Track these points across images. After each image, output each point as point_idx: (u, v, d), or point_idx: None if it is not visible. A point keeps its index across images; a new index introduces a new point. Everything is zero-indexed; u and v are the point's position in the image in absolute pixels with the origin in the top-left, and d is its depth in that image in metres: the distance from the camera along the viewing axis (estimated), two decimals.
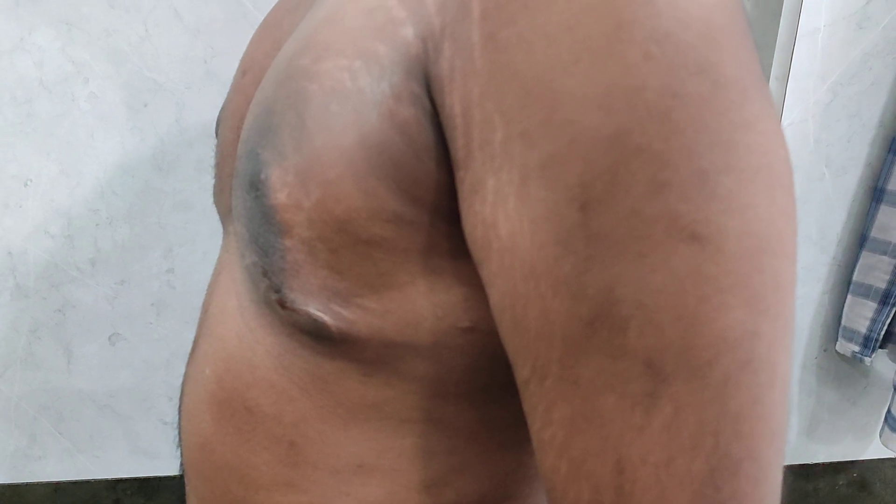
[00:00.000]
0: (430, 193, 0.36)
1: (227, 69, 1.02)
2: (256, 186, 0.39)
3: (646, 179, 0.29)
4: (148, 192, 1.04)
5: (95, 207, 1.03)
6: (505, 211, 0.32)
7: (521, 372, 0.34)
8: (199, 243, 1.07)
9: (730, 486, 0.29)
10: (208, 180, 1.05)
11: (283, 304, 0.40)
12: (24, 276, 1.04)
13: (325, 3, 0.41)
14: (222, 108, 0.59)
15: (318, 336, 0.40)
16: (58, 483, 1.11)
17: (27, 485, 1.12)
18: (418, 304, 0.39)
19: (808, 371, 1.38)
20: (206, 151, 1.04)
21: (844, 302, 1.30)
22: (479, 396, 0.42)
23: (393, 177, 0.35)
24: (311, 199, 0.37)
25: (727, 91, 0.30)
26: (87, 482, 1.12)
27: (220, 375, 0.46)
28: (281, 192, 0.38)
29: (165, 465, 1.12)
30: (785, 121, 1.16)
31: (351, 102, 0.36)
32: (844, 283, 1.32)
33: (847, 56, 1.15)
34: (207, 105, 1.03)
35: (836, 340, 1.33)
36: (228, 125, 0.55)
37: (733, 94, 0.30)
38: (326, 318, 0.39)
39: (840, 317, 1.32)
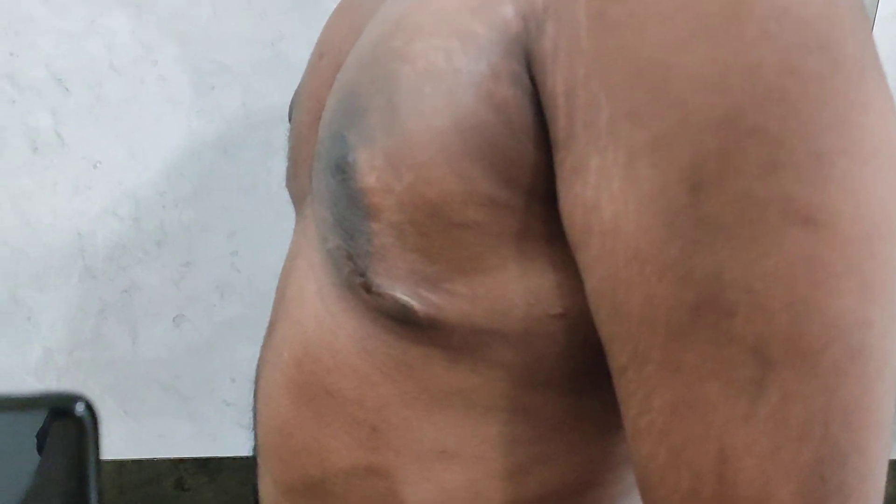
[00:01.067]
0: (526, 175, 0.35)
1: (294, 52, 1.02)
2: (343, 169, 0.39)
3: (760, 161, 0.28)
4: (213, 174, 1.05)
5: (162, 190, 1.04)
6: (609, 192, 0.31)
7: (619, 358, 0.33)
8: (264, 226, 1.07)
9: (837, 478, 0.28)
10: (273, 163, 1.05)
11: (367, 288, 0.40)
12: (93, 258, 1.05)
13: None
14: (297, 92, 0.59)
15: (403, 321, 0.40)
16: (122, 461, 1.13)
17: None
18: (509, 290, 0.38)
19: None
20: (273, 134, 1.04)
21: None
22: (567, 385, 0.41)
23: (489, 159, 0.35)
24: (402, 182, 0.36)
25: (846, 69, 0.28)
26: (151, 461, 1.14)
27: (299, 359, 0.46)
28: (369, 175, 0.37)
29: (228, 445, 1.14)
30: None
31: (446, 83, 0.35)
32: None
33: None
34: (274, 88, 1.03)
35: None
36: (305, 108, 0.54)
37: (852, 72, 0.28)
38: (414, 302, 0.38)
39: None
